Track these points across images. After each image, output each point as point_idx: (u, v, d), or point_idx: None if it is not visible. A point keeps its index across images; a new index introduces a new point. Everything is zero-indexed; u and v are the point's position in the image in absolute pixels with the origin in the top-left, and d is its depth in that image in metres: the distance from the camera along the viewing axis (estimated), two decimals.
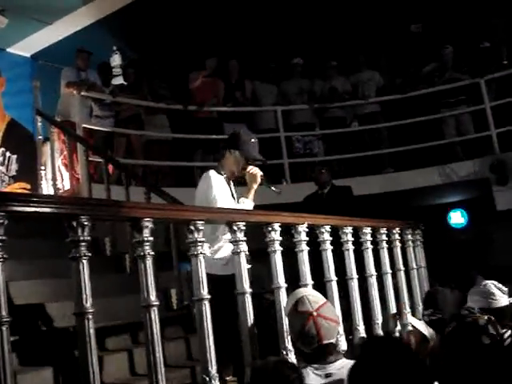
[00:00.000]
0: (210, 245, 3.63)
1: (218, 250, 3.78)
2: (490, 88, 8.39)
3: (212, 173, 3.95)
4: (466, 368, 2.10)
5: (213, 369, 2.75)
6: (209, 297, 2.80)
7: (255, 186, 3.96)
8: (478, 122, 8.48)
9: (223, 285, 3.33)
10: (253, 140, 4.14)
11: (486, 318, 2.84)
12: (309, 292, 3.03)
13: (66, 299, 3.81)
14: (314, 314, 2.72)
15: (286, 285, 3.21)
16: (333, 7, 9.56)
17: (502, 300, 3.77)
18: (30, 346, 3.46)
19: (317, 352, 2.69)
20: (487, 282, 3.95)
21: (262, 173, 4.00)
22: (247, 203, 3.90)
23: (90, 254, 2.31)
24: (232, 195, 4.01)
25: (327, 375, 2.61)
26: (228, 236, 3.22)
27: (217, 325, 2.86)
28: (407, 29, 9.61)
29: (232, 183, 4.09)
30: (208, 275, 2.89)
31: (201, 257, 2.78)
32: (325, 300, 2.91)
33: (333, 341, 2.73)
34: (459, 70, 8.70)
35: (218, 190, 3.84)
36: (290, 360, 2.92)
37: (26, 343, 3.41)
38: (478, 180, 8.07)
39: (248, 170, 3.98)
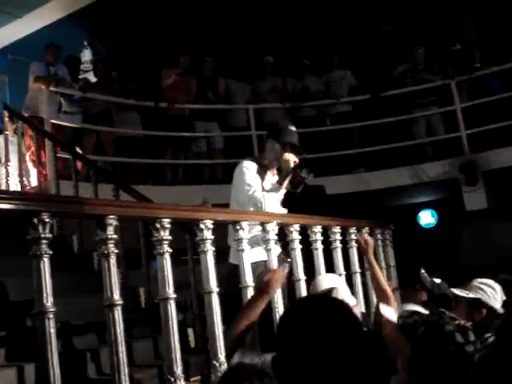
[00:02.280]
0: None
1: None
2: (461, 89, 8.46)
3: (246, 161, 4.10)
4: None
5: (178, 369, 2.72)
6: (174, 296, 2.76)
7: (288, 171, 4.08)
8: (449, 123, 8.55)
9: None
10: (291, 128, 4.28)
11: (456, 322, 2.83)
12: (337, 282, 3.05)
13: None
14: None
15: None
16: (306, 6, 9.56)
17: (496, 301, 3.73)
18: (15, 341, 3.44)
19: None
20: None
21: (296, 159, 4.08)
22: (278, 189, 4.04)
23: (51, 252, 2.25)
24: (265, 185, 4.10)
25: None
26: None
27: None
28: (380, 29, 9.66)
29: (272, 173, 4.19)
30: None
31: (167, 255, 2.74)
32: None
33: None
34: (431, 71, 8.76)
35: (248, 176, 3.97)
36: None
37: (12, 339, 3.37)
38: (447, 180, 8.13)
39: (283, 156, 4.08)
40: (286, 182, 4.10)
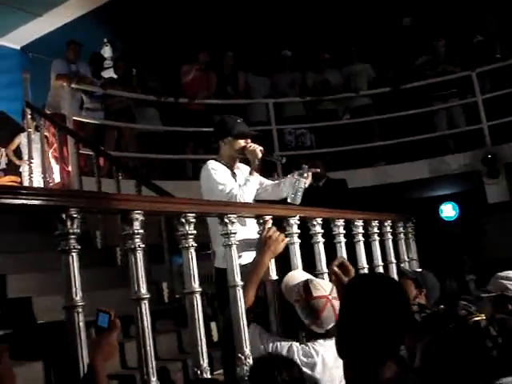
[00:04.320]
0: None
1: (216, 241, 3.73)
2: (483, 81, 8.39)
3: (210, 161, 3.97)
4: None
5: (204, 362, 2.75)
6: (200, 289, 2.78)
7: (257, 162, 3.98)
8: (470, 115, 8.49)
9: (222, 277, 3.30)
10: (238, 120, 4.17)
11: (485, 317, 2.81)
12: (307, 275, 3.05)
13: (56, 293, 3.79)
14: (330, 297, 2.76)
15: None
16: (324, 1, 9.53)
17: None
18: (22, 339, 3.44)
19: (330, 330, 2.73)
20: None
21: (261, 147, 4.00)
22: (252, 180, 3.91)
23: (79, 247, 2.28)
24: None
25: None
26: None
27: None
28: (399, 22, 9.59)
29: (237, 170, 4.09)
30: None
31: (192, 249, 2.76)
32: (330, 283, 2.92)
33: None
34: (451, 63, 8.69)
35: (218, 174, 3.85)
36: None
37: (18, 337, 3.39)
38: (469, 173, 8.08)
39: (247, 147, 3.99)
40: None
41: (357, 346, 1.82)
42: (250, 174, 3.96)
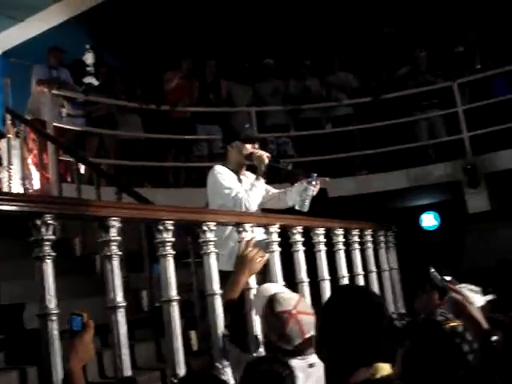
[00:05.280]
0: (221, 245, 3.55)
1: (223, 242, 3.70)
2: (463, 92, 8.46)
3: (217, 166, 4.04)
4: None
5: (181, 371, 2.72)
6: (178, 298, 2.76)
7: (264, 168, 4.04)
8: (451, 126, 8.55)
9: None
10: (246, 125, 4.34)
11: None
12: (277, 289, 3.00)
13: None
14: (294, 312, 2.68)
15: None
16: (307, 8, 9.57)
17: (476, 301, 3.75)
18: (15, 345, 3.44)
19: (299, 347, 2.66)
20: (460, 285, 3.95)
21: (267, 153, 4.06)
22: (258, 185, 3.97)
23: (54, 254, 2.25)
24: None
25: (310, 365, 2.59)
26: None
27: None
28: (381, 32, 9.66)
29: (243, 177, 4.14)
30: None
31: (170, 257, 2.74)
32: (297, 295, 2.89)
33: (313, 333, 2.68)
34: (433, 74, 8.75)
35: (224, 178, 3.93)
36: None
37: (11, 342, 3.36)
38: (450, 183, 8.12)
39: (254, 153, 4.05)
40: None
41: (332, 351, 1.92)
42: (256, 179, 4.02)
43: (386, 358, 2.37)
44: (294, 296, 2.86)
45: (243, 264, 3.03)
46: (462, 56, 8.87)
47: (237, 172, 4.09)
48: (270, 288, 3.02)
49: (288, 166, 4.27)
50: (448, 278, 4.15)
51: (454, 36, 9.39)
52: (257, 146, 4.13)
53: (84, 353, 2.14)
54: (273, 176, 5.80)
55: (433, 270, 4.16)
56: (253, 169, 4.21)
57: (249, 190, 3.91)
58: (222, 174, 3.96)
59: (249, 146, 4.09)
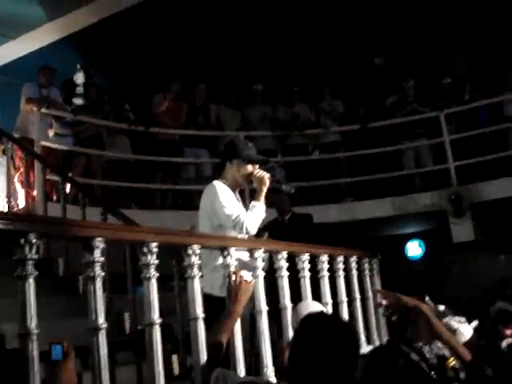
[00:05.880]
0: (207, 262, 3.46)
1: (216, 267, 3.53)
2: (450, 121, 8.55)
3: (216, 182, 3.80)
4: None
5: None
6: (160, 320, 2.74)
7: (265, 189, 3.82)
8: (437, 155, 8.62)
9: (222, 306, 3.21)
10: (249, 144, 4.07)
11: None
12: (316, 307, 3.00)
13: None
14: None
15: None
16: (298, 36, 9.67)
17: (466, 333, 3.75)
18: None
19: None
20: (445, 319, 3.95)
21: (268, 174, 3.88)
22: (259, 207, 3.75)
23: (36, 273, 2.23)
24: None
25: None
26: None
27: None
28: (371, 61, 9.77)
29: (238, 194, 3.96)
30: (207, 295, 3.03)
31: (153, 280, 2.73)
32: None
33: None
34: (420, 104, 8.85)
35: (225, 197, 3.69)
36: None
37: None
38: (435, 212, 8.17)
39: (254, 174, 3.86)
40: (262, 198, 3.82)
41: (302, 379, 1.93)
42: (257, 200, 3.79)
43: None
44: None
45: (240, 294, 3.02)
46: (450, 87, 8.99)
47: (233, 190, 3.87)
48: (310, 305, 3.02)
49: (291, 190, 4.11)
50: (441, 308, 4.16)
51: (441, 67, 9.52)
52: (257, 166, 3.92)
53: (68, 381, 2.11)
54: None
55: (428, 298, 4.17)
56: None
57: (250, 212, 3.71)
58: (223, 192, 3.72)
59: (249, 167, 3.89)
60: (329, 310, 3.67)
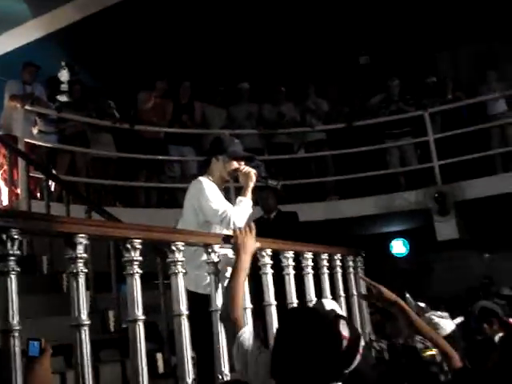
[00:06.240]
0: (191, 260, 3.42)
1: (200, 264, 3.51)
2: (434, 120, 8.61)
3: (202, 178, 3.79)
4: None
5: None
6: (143, 318, 2.72)
7: (251, 184, 3.80)
8: (422, 154, 8.67)
9: (207, 304, 3.23)
10: (236, 140, 4.06)
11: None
12: (332, 305, 3.02)
13: None
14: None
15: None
16: (284, 34, 9.67)
17: (447, 327, 3.79)
18: None
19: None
20: (426, 314, 3.99)
21: (255, 170, 3.86)
22: (245, 202, 3.74)
23: (18, 269, 2.22)
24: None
25: None
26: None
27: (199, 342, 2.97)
28: (356, 60, 9.81)
29: (222, 192, 3.90)
30: (192, 293, 2.99)
31: (137, 276, 2.72)
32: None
33: None
34: (405, 103, 8.89)
35: (212, 193, 3.68)
36: None
37: None
38: (419, 210, 8.22)
39: (241, 169, 3.85)
40: (249, 194, 3.80)
41: (286, 374, 1.92)
42: (243, 195, 3.77)
43: None
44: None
45: (241, 239, 3.03)
46: (434, 86, 9.05)
47: (219, 186, 3.84)
48: (327, 303, 3.00)
49: (277, 186, 4.12)
50: (422, 305, 4.19)
51: (426, 66, 9.57)
52: (242, 163, 3.90)
53: (43, 378, 2.10)
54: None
55: (408, 295, 4.19)
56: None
57: (237, 207, 3.69)
58: (209, 188, 3.70)
59: (235, 163, 3.87)
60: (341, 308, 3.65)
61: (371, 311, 4.90)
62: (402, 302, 2.49)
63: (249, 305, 3.45)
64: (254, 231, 3.13)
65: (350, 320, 2.61)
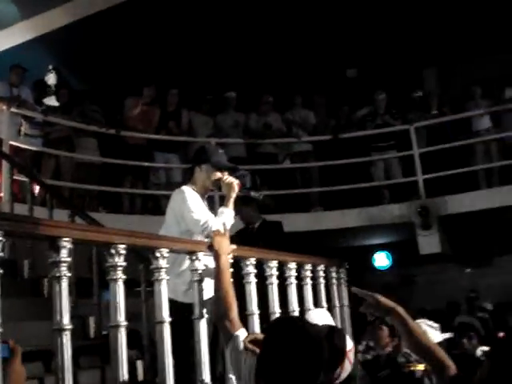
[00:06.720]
0: (172, 268, 3.34)
1: (180, 273, 3.58)
2: (420, 133, 8.67)
3: (185, 188, 3.81)
4: None
5: None
6: (125, 323, 2.70)
7: (234, 195, 3.83)
8: (406, 167, 8.72)
9: (185, 312, 3.23)
10: (220, 151, 4.08)
11: (422, 368, 2.81)
12: (328, 319, 3.03)
13: None
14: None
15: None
16: (271, 45, 9.70)
17: (433, 337, 3.79)
18: None
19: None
20: (417, 320, 4.00)
21: (237, 181, 3.88)
22: (227, 212, 3.76)
23: (1, 271, 2.19)
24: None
25: None
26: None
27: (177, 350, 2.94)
28: (343, 73, 9.86)
29: (205, 202, 3.94)
30: (171, 301, 2.95)
31: (120, 282, 2.70)
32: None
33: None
34: (391, 116, 8.95)
35: (193, 203, 3.70)
36: None
37: None
38: (403, 223, 8.25)
39: (223, 179, 3.86)
40: (231, 205, 3.82)
41: (268, 379, 1.94)
42: (225, 205, 3.80)
43: None
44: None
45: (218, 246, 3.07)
46: (420, 101, 9.12)
47: (202, 195, 3.87)
48: (321, 314, 2.99)
49: (260, 196, 4.15)
50: None
51: (412, 80, 9.65)
52: (226, 173, 3.93)
53: (18, 376, 2.11)
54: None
55: None
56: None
57: (218, 217, 3.71)
58: (191, 198, 3.72)
59: (218, 173, 3.89)
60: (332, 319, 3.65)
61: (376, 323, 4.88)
62: (399, 309, 2.48)
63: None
64: (227, 233, 3.24)
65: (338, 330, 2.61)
